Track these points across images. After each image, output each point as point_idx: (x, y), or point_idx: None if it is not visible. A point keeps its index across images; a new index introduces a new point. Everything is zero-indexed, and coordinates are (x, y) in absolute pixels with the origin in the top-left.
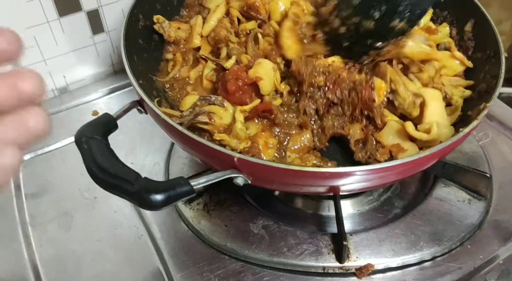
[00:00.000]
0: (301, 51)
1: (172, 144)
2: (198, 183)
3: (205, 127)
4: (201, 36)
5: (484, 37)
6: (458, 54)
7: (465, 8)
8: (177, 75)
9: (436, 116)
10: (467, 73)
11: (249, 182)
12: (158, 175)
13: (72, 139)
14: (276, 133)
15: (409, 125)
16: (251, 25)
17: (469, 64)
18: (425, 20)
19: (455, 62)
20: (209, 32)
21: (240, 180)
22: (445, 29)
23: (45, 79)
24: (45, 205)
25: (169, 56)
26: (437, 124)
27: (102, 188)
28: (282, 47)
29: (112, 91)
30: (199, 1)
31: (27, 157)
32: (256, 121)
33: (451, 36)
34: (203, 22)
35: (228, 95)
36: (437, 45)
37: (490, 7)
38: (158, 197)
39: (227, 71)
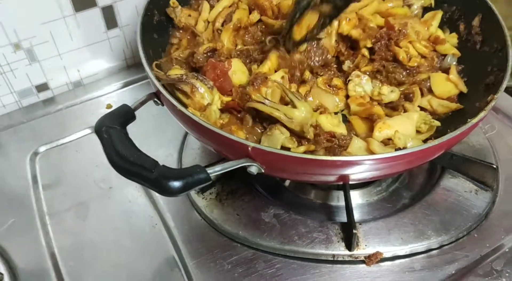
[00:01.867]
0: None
1: (185, 136)
2: (214, 171)
3: (184, 99)
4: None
5: (492, 31)
6: (454, 78)
7: (473, 3)
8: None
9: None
10: (475, 68)
11: (263, 171)
12: (171, 166)
13: (86, 131)
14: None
15: (373, 143)
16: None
17: (464, 89)
18: (434, 27)
19: (450, 85)
20: (214, 18)
21: (254, 169)
22: (453, 39)
23: (59, 73)
24: (62, 196)
25: (175, 40)
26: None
27: (122, 175)
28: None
29: (125, 85)
30: None
31: (42, 149)
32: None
33: (459, 31)
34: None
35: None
36: (444, 56)
37: (496, 2)
38: (176, 183)
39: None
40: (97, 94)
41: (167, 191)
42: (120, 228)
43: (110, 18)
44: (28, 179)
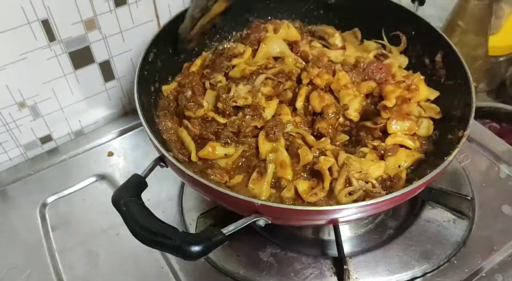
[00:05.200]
0: None
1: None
2: (228, 230)
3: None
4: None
5: (454, 67)
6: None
7: (434, 42)
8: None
9: None
10: (444, 100)
11: (269, 222)
12: (172, 210)
13: (91, 180)
14: None
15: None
16: None
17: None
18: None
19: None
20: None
21: (261, 222)
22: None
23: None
24: (72, 244)
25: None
26: None
27: (145, 245)
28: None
29: (124, 131)
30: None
31: (50, 199)
32: None
33: (424, 65)
34: None
35: None
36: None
37: (467, 33)
38: (197, 248)
39: None
40: (98, 142)
41: (189, 256)
42: (130, 272)
43: (107, 71)
44: (39, 230)
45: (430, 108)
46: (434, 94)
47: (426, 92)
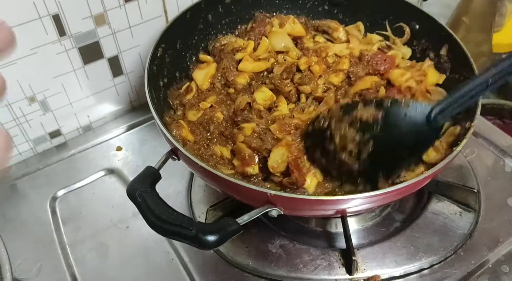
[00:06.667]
0: None
1: (192, 174)
2: (243, 220)
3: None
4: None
5: (459, 60)
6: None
7: (439, 36)
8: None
9: None
10: (446, 91)
11: (282, 212)
12: (181, 203)
13: (100, 174)
14: None
15: None
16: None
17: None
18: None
19: None
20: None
21: (274, 212)
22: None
23: (70, 119)
24: (83, 238)
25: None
26: None
27: (162, 235)
28: None
29: (132, 127)
30: None
31: (60, 193)
32: None
33: (429, 59)
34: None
35: None
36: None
37: (471, 30)
38: (213, 237)
39: None
40: (106, 137)
41: (206, 246)
42: (140, 265)
43: (115, 67)
44: (50, 223)
45: (438, 92)
46: (442, 78)
47: (435, 77)
